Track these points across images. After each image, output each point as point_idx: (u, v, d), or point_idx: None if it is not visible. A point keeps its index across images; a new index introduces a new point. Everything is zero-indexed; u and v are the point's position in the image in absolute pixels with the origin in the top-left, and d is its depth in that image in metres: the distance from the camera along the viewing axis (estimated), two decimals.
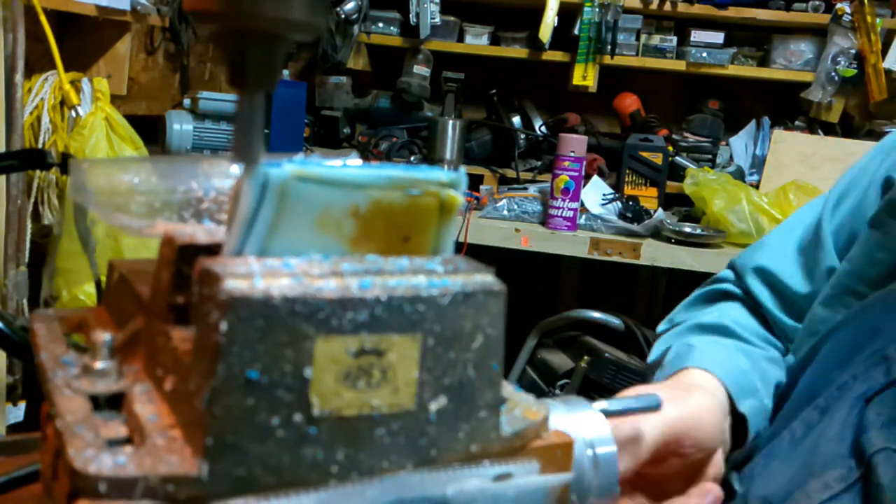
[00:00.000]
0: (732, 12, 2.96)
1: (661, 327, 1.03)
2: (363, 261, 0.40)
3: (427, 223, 0.43)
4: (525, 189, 2.82)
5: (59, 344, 0.46)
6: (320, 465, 0.37)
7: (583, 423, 0.50)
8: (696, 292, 1.05)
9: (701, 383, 0.81)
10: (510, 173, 3.02)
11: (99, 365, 0.41)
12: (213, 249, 0.41)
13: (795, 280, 0.95)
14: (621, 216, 2.65)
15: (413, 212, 0.42)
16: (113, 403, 0.41)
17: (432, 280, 0.39)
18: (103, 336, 0.41)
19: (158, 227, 0.44)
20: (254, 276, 0.35)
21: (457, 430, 0.40)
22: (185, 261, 0.41)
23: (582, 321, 2.57)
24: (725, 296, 1.01)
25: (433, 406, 0.39)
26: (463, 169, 0.43)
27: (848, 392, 0.74)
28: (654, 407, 0.58)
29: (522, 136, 3.08)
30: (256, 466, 0.35)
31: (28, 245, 1.99)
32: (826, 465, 0.72)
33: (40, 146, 2.05)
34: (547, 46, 3.02)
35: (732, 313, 0.96)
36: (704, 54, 3.01)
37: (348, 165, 0.42)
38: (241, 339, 0.34)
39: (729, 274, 1.04)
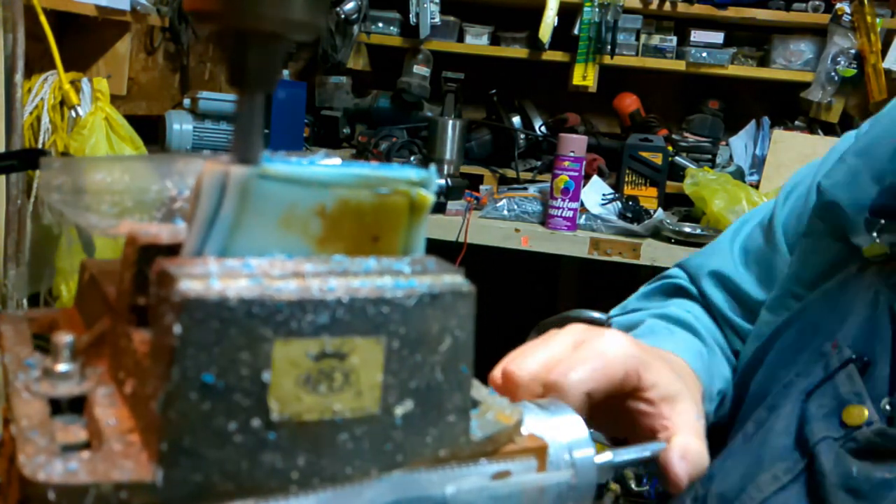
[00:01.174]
0: (732, 12, 2.95)
1: (613, 312, 1.03)
2: (328, 261, 0.39)
3: (397, 223, 0.42)
4: (525, 189, 2.82)
5: (24, 346, 0.45)
6: (280, 472, 0.36)
7: (561, 427, 0.49)
8: (651, 285, 1.06)
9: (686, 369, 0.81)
10: (510, 173, 3.01)
11: (60, 367, 0.40)
12: (175, 249, 0.40)
13: (751, 285, 0.97)
14: (621, 216, 2.64)
15: (382, 211, 0.41)
16: (77, 407, 0.41)
17: (398, 281, 0.38)
18: (65, 338, 0.40)
19: (123, 226, 0.43)
20: (210, 276, 0.34)
21: (424, 435, 0.39)
22: (148, 261, 0.40)
23: (582, 321, 2.56)
24: (681, 292, 1.02)
25: (399, 410, 0.38)
26: (433, 167, 0.41)
27: (793, 389, 0.78)
28: (661, 449, 0.57)
29: (522, 136, 3.07)
30: (214, 472, 0.34)
31: (28, 245, 1.99)
32: (774, 458, 0.75)
33: (40, 146, 2.05)
34: (547, 46, 3.01)
35: (695, 312, 0.97)
36: (704, 54, 3.00)
37: (316, 163, 0.41)
38: (195, 342, 0.33)
39: (679, 272, 1.05)
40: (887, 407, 0.71)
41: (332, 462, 0.37)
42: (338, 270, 0.38)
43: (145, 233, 0.41)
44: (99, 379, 0.41)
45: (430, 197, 0.42)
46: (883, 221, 0.78)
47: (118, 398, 0.40)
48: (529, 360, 0.66)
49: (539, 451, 0.44)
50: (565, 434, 0.49)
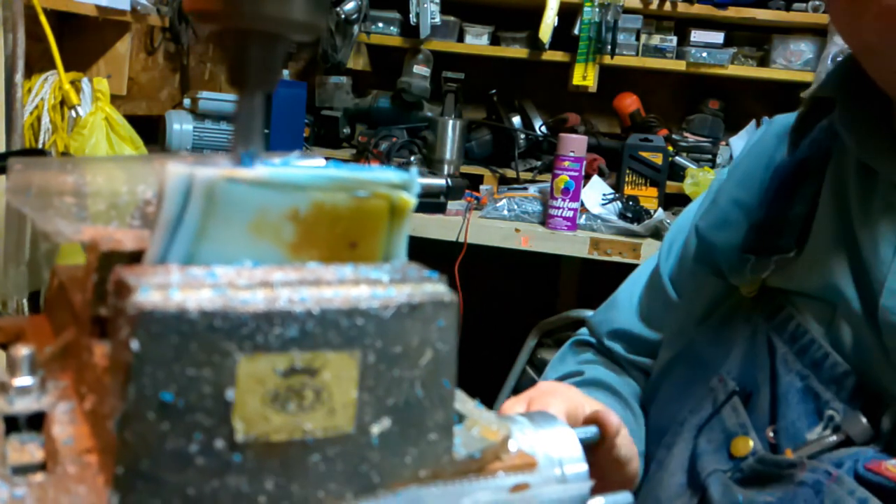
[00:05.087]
0: (732, 12, 2.92)
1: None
2: (300, 269, 0.37)
3: (376, 228, 0.40)
4: (525, 189, 2.80)
5: None
6: (246, 496, 0.33)
7: (551, 441, 0.47)
8: (564, 347, 1.12)
9: None
10: (510, 173, 2.99)
11: (18, 382, 0.38)
12: (139, 257, 0.37)
13: (649, 332, 1.00)
14: (621, 216, 2.62)
15: (360, 215, 0.39)
16: (37, 424, 0.38)
17: (375, 291, 0.36)
18: (23, 351, 0.38)
19: (87, 231, 0.41)
20: (171, 287, 0.32)
21: (403, 455, 0.37)
22: (109, 269, 0.37)
23: (582, 321, 2.54)
24: (587, 344, 1.08)
25: (375, 429, 0.36)
26: (415, 170, 0.39)
27: (686, 425, 0.80)
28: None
29: (522, 136, 3.05)
30: (174, 498, 0.32)
31: (28, 246, 1.97)
32: (671, 497, 0.78)
33: (40, 146, 2.04)
34: (547, 46, 2.99)
35: (603, 370, 1.01)
36: (704, 54, 2.97)
37: (290, 164, 0.38)
38: (153, 358, 0.31)
39: (584, 331, 1.11)
40: (771, 434, 0.74)
41: (302, 486, 0.34)
42: (310, 279, 0.35)
43: (108, 239, 0.39)
44: (61, 394, 0.39)
45: (411, 200, 0.40)
46: (753, 258, 0.81)
47: (79, 415, 0.37)
48: None
49: (527, 470, 0.41)
50: (556, 448, 0.46)
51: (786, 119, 0.91)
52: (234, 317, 0.32)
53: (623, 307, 1.04)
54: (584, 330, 1.12)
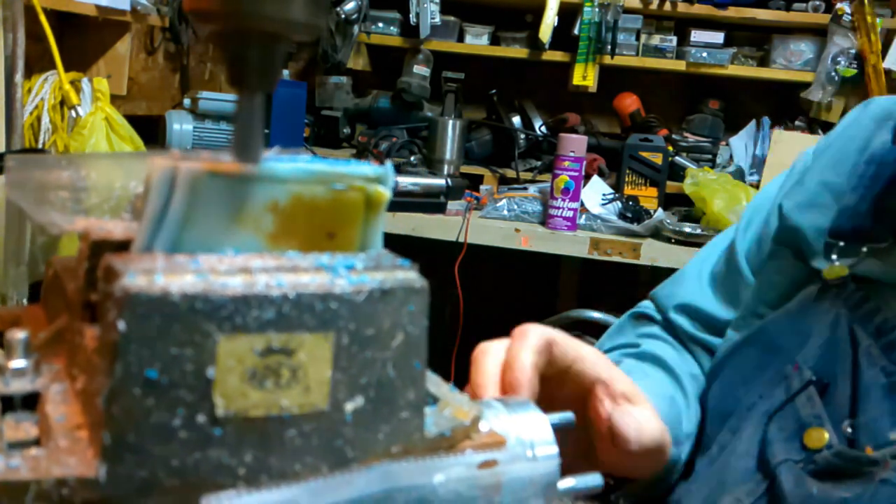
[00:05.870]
0: (732, 12, 2.94)
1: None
2: (279, 257, 0.39)
3: (352, 219, 0.42)
4: (525, 189, 2.81)
5: None
6: (227, 468, 0.36)
7: (523, 424, 0.49)
8: (621, 318, 1.10)
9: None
10: (510, 173, 3.01)
11: (13, 364, 0.40)
12: (127, 245, 0.40)
13: (718, 309, 0.97)
14: (621, 216, 2.63)
15: (337, 207, 0.41)
16: (32, 404, 0.41)
17: (349, 277, 0.38)
18: (19, 335, 0.40)
19: (79, 222, 0.43)
20: (156, 272, 0.34)
21: (375, 431, 0.39)
22: (100, 257, 0.40)
23: (582, 321, 2.56)
24: (647, 317, 1.06)
25: (349, 406, 0.38)
26: (390, 164, 0.41)
27: (755, 411, 0.79)
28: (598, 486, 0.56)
29: (522, 136, 3.07)
30: (159, 468, 0.34)
31: (28, 244, 1.99)
32: (737, 481, 0.76)
33: (40, 146, 2.05)
34: (547, 46, 3.01)
35: (662, 345, 0.98)
36: (704, 54, 2.99)
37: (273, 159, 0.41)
38: (138, 338, 0.33)
39: (650, 305, 1.07)
40: (848, 429, 0.72)
41: (280, 458, 0.37)
42: (287, 266, 0.38)
43: (99, 228, 0.41)
44: (54, 376, 0.41)
45: (386, 193, 0.42)
46: (841, 244, 0.79)
47: (71, 395, 0.40)
48: (481, 377, 0.68)
49: (497, 447, 0.44)
50: (527, 431, 0.48)
51: (886, 102, 0.88)
52: (215, 299, 0.34)
53: (691, 282, 1.02)
54: (646, 303, 1.09)
